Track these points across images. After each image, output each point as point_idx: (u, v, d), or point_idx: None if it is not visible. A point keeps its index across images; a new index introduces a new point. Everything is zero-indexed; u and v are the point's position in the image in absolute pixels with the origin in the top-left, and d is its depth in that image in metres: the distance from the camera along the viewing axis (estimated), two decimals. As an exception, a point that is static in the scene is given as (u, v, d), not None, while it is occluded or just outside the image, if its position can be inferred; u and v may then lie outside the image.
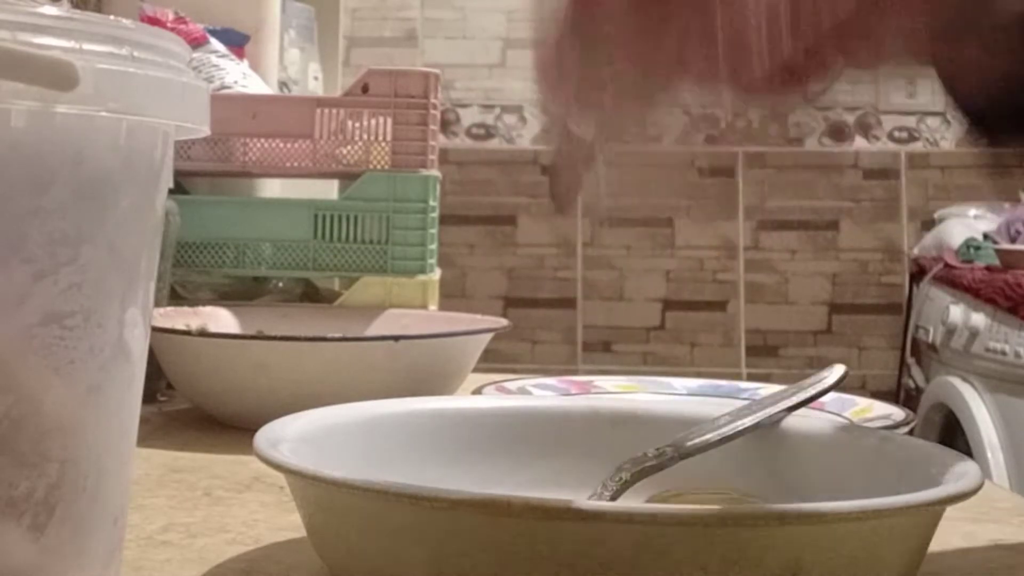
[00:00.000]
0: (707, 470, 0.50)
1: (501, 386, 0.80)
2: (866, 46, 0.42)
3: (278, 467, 0.42)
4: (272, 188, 1.33)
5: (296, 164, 1.06)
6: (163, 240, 0.40)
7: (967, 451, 2.30)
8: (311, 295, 1.11)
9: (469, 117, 3.59)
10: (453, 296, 3.15)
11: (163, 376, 0.81)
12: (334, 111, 1.06)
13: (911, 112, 3.28)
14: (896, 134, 3.31)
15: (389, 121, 1.05)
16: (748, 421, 0.52)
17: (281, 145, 1.06)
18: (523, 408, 0.56)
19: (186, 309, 0.89)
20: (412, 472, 0.47)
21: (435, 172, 1.07)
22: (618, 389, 0.83)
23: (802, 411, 0.54)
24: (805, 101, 0.43)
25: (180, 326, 0.82)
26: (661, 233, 3.30)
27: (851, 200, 3.30)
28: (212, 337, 0.78)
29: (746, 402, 0.54)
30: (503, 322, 0.86)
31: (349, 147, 1.06)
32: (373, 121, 1.05)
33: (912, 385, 3.09)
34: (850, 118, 3.30)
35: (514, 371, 1.10)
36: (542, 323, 3.48)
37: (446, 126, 3.52)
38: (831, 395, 0.63)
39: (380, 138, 1.05)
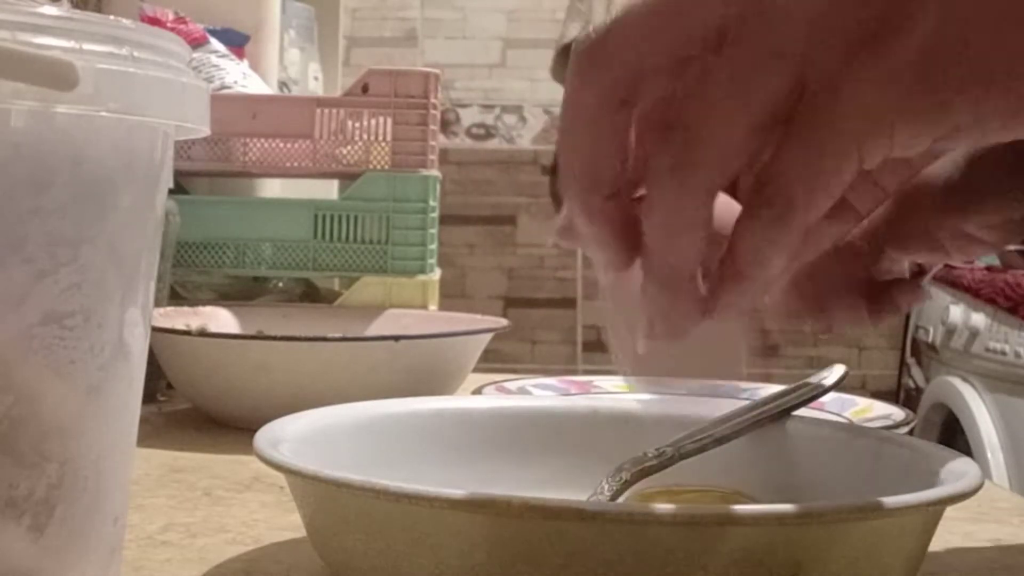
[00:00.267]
0: (707, 470, 0.50)
1: (501, 386, 0.80)
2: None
3: (278, 467, 0.42)
4: (272, 188, 1.33)
5: (296, 164, 1.06)
6: (163, 240, 0.40)
7: (967, 451, 2.30)
8: (311, 295, 1.11)
9: (469, 117, 3.59)
10: (453, 296, 3.15)
11: (163, 376, 0.81)
12: (334, 111, 1.06)
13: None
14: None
15: (389, 121, 1.05)
16: (748, 421, 0.52)
17: (281, 145, 1.06)
18: (523, 408, 0.56)
19: (186, 309, 0.89)
20: (412, 472, 0.47)
21: (435, 172, 1.07)
22: (618, 389, 0.83)
23: (802, 411, 0.54)
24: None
25: (180, 326, 0.82)
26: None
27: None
28: (212, 337, 0.78)
29: (746, 402, 0.54)
30: (503, 322, 0.86)
31: (349, 147, 1.06)
32: (373, 121, 1.05)
33: (912, 385, 3.10)
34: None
35: (514, 371, 1.10)
36: (542, 323, 3.48)
37: (446, 126, 3.52)
38: (831, 395, 0.63)
39: (380, 138, 1.05)
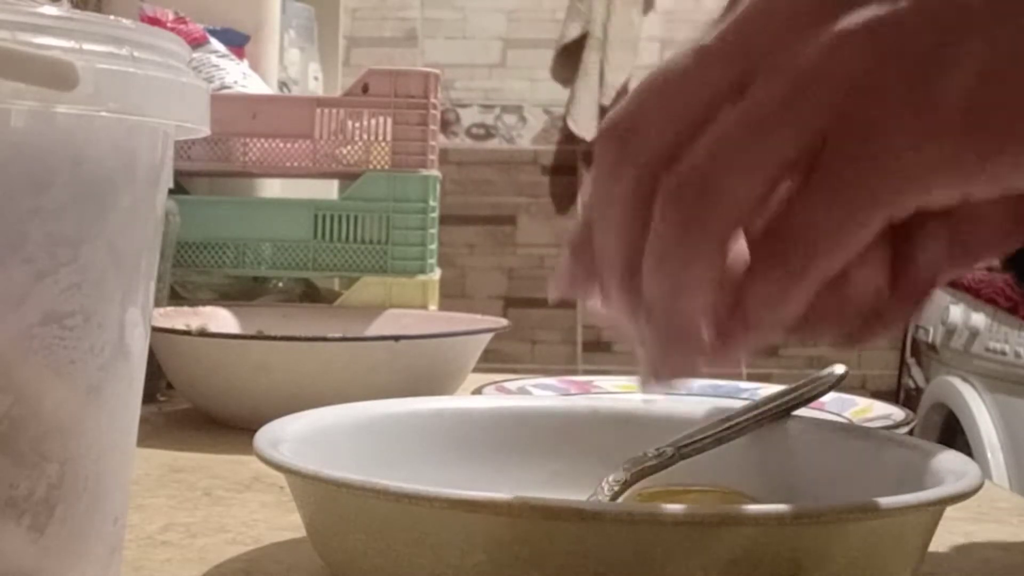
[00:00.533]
0: (707, 470, 0.50)
1: (501, 386, 0.80)
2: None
3: (278, 467, 0.42)
4: (272, 188, 1.34)
5: (296, 164, 1.06)
6: (163, 240, 0.40)
7: (967, 451, 2.30)
8: (311, 295, 1.11)
9: (469, 117, 3.59)
10: (453, 296, 3.15)
11: (163, 376, 0.81)
12: (334, 111, 1.06)
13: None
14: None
15: (389, 121, 1.05)
16: (748, 421, 0.52)
17: (281, 145, 1.06)
18: (523, 408, 0.56)
19: (186, 309, 0.89)
20: (412, 472, 0.47)
21: (435, 172, 1.07)
22: (618, 389, 0.83)
23: (802, 411, 0.54)
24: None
25: (180, 326, 0.82)
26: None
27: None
28: (212, 337, 0.78)
29: (746, 402, 0.54)
30: (503, 322, 0.86)
31: (349, 147, 1.06)
32: (373, 121, 1.05)
33: (912, 385, 3.10)
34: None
35: (514, 371, 1.10)
36: (542, 323, 3.48)
37: (446, 126, 3.52)
38: (831, 395, 0.63)
39: (380, 138, 1.05)
